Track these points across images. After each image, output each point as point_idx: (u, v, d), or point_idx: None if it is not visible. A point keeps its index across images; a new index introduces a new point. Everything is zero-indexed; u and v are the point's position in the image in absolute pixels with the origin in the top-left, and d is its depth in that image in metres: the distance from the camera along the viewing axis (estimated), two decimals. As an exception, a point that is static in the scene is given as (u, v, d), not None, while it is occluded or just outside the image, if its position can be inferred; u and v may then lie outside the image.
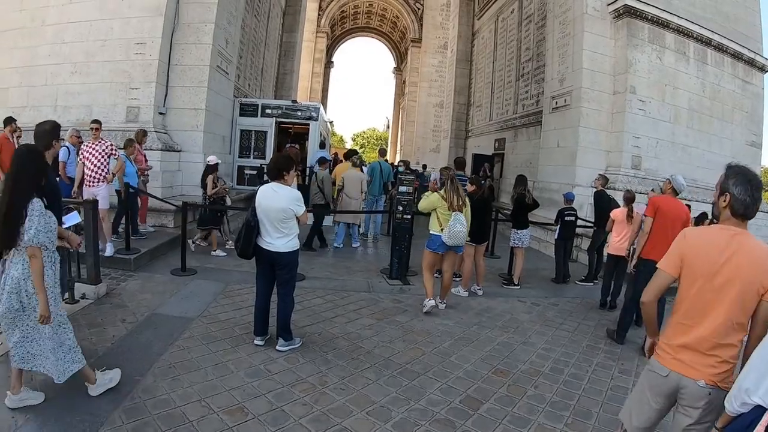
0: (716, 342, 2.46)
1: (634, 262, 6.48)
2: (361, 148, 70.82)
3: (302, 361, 4.93)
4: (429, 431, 3.83)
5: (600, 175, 9.90)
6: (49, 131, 4.34)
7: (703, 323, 2.49)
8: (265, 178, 6.90)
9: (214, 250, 9.20)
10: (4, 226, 3.38)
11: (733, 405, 2.15)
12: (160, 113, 11.77)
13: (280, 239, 4.97)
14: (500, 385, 4.74)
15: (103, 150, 7.82)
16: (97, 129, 7.98)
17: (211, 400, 4.00)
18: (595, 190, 9.59)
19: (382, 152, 15.45)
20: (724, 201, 2.54)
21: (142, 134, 9.99)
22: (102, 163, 7.77)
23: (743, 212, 2.51)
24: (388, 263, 8.68)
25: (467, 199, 7.00)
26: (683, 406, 2.55)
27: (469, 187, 8.25)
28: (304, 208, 5.06)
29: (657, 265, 2.72)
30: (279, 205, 4.88)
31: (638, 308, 6.25)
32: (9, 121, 8.87)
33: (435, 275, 7.20)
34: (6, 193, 3.43)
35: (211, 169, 9.21)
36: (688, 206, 7.04)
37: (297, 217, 5.03)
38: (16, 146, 8.86)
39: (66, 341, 3.75)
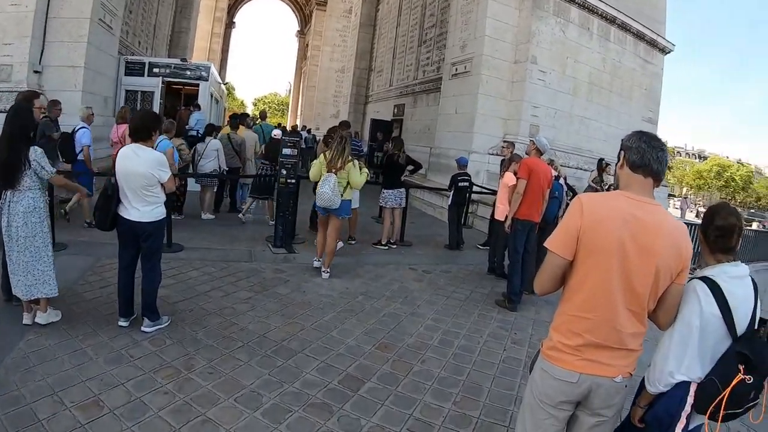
0: (629, 332, 2.15)
1: (508, 222, 6.65)
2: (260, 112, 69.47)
3: (168, 343, 4.50)
4: (303, 418, 3.54)
5: (508, 142, 9.94)
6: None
7: (611, 315, 2.13)
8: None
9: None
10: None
11: (658, 387, 2.26)
12: (36, 71, 10.69)
13: (143, 208, 4.51)
14: (384, 362, 4.52)
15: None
16: None
17: (65, 393, 3.54)
18: (503, 158, 9.61)
19: (263, 115, 15.72)
20: (622, 160, 2.26)
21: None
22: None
23: (641, 162, 2.17)
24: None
25: (351, 163, 6.88)
26: (596, 408, 2.25)
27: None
28: (169, 173, 4.61)
29: (547, 246, 2.26)
30: (140, 169, 4.41)
31: (524, 269, 6.55)
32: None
33: None
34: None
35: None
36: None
37: (162, 184, 4.58)
38: None
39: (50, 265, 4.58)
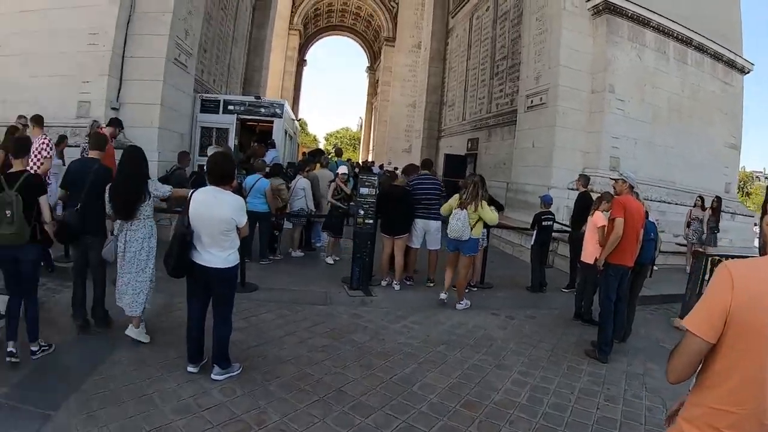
0: None
1: (600, 263, 6.08)
2: (333, 148, 70.40)
3: (239, 393, 4.19)
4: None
5: (580, 175, 9.41)
6: None
7: (761, 407, 1.70)
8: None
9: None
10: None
11: None
12: (113, 108, 11.02)
13: (219, 253, 4.29)
14: (470, 422, 4.04)
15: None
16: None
17: (126, 444, 3.29)
18: (578, 191, 9.14)
19: (339, 152, 15.26)
20: None
21: None
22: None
23: None
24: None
25: (482, 204, 7.12)
26: None
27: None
28: (246, 217, 4.44)
29: (686, 326, 1.80)
30: (222, 215, 4.22)
31: (616, 317, 6.01)
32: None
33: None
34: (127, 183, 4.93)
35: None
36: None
37: (238, 228, 4.38)
38: None
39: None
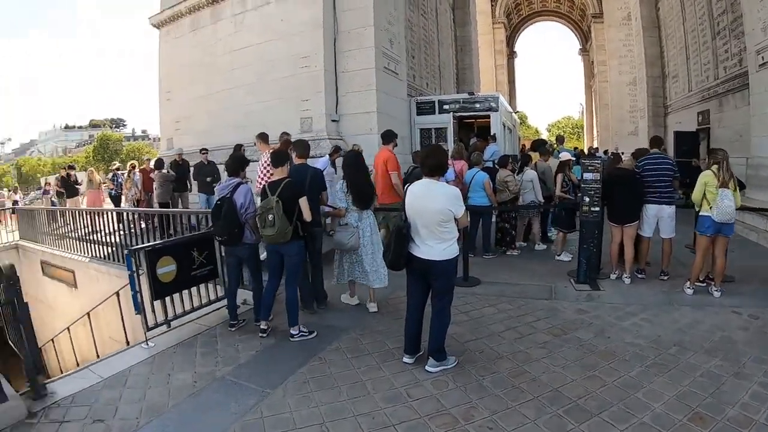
0: None
1: None
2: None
3: (451, 386, 4.19)
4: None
5: None
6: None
7: None
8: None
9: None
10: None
11: None
12: (333, 120, 12.20)
13: (437, 245, 4.33)
14: (698, 440, 3.51)
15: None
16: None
17: (333, 425, 3.59)
18: None
19: (560, 139, 14.88)
20: None
21: None
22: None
23: None
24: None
25: (735, 181, 6.29)
26: None
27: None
28: (464, 207, 4.41)
29: None
30: (436, 206, 4.25)
31: None
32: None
33: None
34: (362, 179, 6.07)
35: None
36: None
37: (456, 219, 4.38)
38: None
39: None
